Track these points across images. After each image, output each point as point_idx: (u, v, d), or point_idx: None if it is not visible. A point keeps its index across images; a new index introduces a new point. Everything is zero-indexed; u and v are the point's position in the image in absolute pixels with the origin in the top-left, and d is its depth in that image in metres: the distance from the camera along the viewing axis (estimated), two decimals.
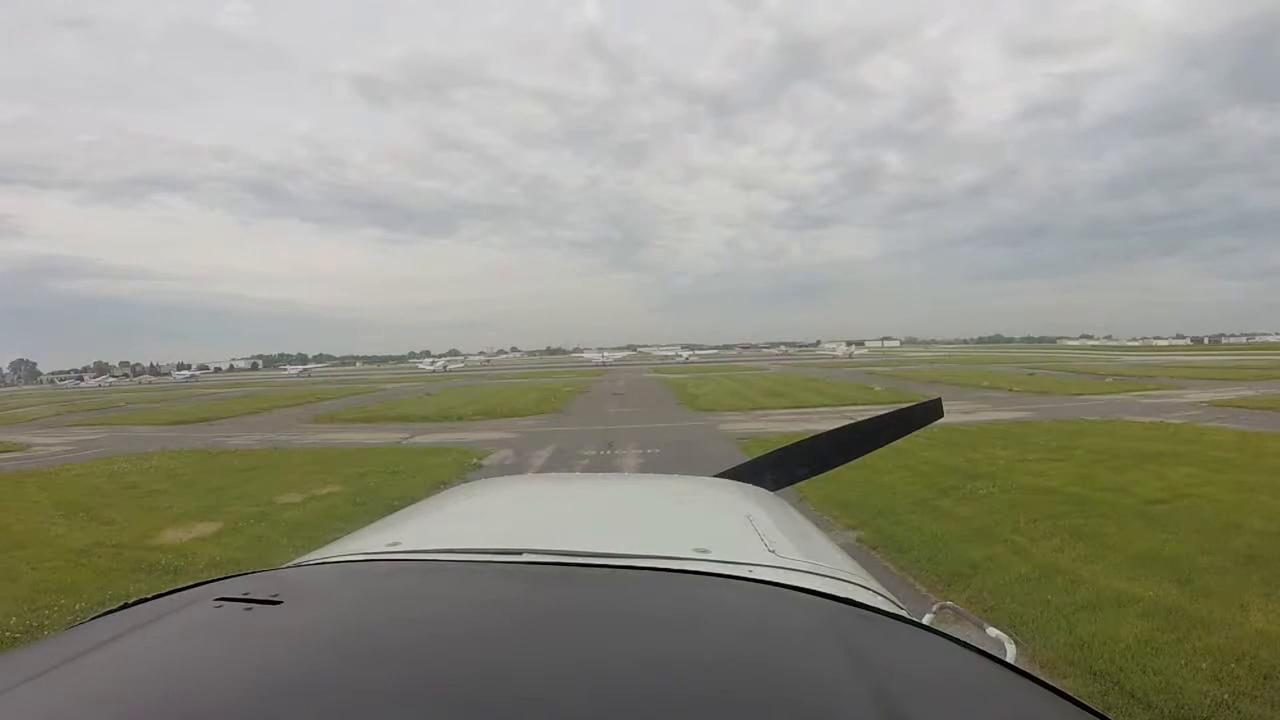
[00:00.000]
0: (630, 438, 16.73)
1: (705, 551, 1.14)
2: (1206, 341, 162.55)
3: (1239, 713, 3.82)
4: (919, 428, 2.81)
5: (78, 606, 5.96)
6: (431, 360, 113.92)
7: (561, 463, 13.69)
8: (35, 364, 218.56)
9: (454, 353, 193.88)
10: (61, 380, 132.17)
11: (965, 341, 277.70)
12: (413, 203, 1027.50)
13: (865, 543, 7.41)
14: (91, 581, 6.85)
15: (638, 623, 0.87)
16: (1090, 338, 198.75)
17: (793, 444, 2.51)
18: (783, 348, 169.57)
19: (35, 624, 5.71)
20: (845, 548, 2.71)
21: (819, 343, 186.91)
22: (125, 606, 0.96)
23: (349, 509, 9.53)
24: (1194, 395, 23.54)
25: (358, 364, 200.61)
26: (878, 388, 29.97)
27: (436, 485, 10.52)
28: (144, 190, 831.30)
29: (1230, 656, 4.39)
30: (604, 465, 13.22)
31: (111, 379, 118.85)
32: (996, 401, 23.39)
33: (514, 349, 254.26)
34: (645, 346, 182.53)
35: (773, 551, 1.21)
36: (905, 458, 11.19)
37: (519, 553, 1.11)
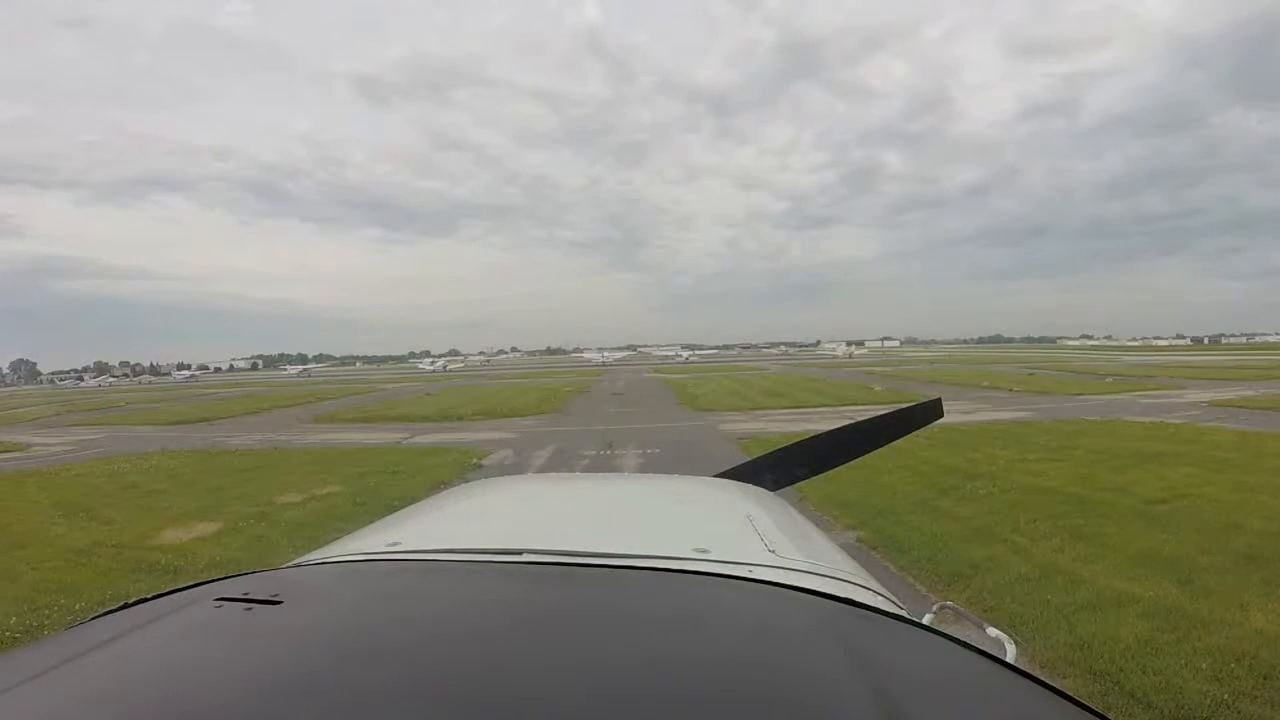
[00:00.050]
0: (630, 438, 16.73)
1: (705, 551, 1.14)
2: (1206, 341, 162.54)
3: (1239, 713, 3.82)
4: (919, 428, 2.81)
5: (78, 606, 5.96)
6: (431, 360, 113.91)
7: (561, 463, 13.70)
8: (35, 364, 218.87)
9: (454, 353, 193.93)
10: (61, 380, 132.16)
11: (965, 341, 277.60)
12: (413, 203, 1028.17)
13: (865, 543, 7.41)
14: (91, 582, 6.85)
15: (638, 623, 0.86)
16: (1090, 338, 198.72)
17: (793, 444, 2.50)
18: (783, 348, 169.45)
19: (35, 624, 5.71)
20: (845, 548, 2.71)
21: (819, 343, 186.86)
22: (125, 606, 0.96)
23: (349, 509, 9.54)
24: (1194, 395, 23.55)
25: (358, 364, 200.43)
26: (878, 388, 29.98)
27: (436, 485, 10.52)
28: (144, 190, 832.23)
29: (1230, 656, 4.39)
30: (604, 465, 13.22)
31: (111, 379, 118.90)
32: (996, 401, 23.40)
33: (514, 349, 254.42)
34: (645, 346, 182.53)
35: (773, 551, 1.21)
36: (905, 458, 11.19)
37: (519, 553, 1.11)
